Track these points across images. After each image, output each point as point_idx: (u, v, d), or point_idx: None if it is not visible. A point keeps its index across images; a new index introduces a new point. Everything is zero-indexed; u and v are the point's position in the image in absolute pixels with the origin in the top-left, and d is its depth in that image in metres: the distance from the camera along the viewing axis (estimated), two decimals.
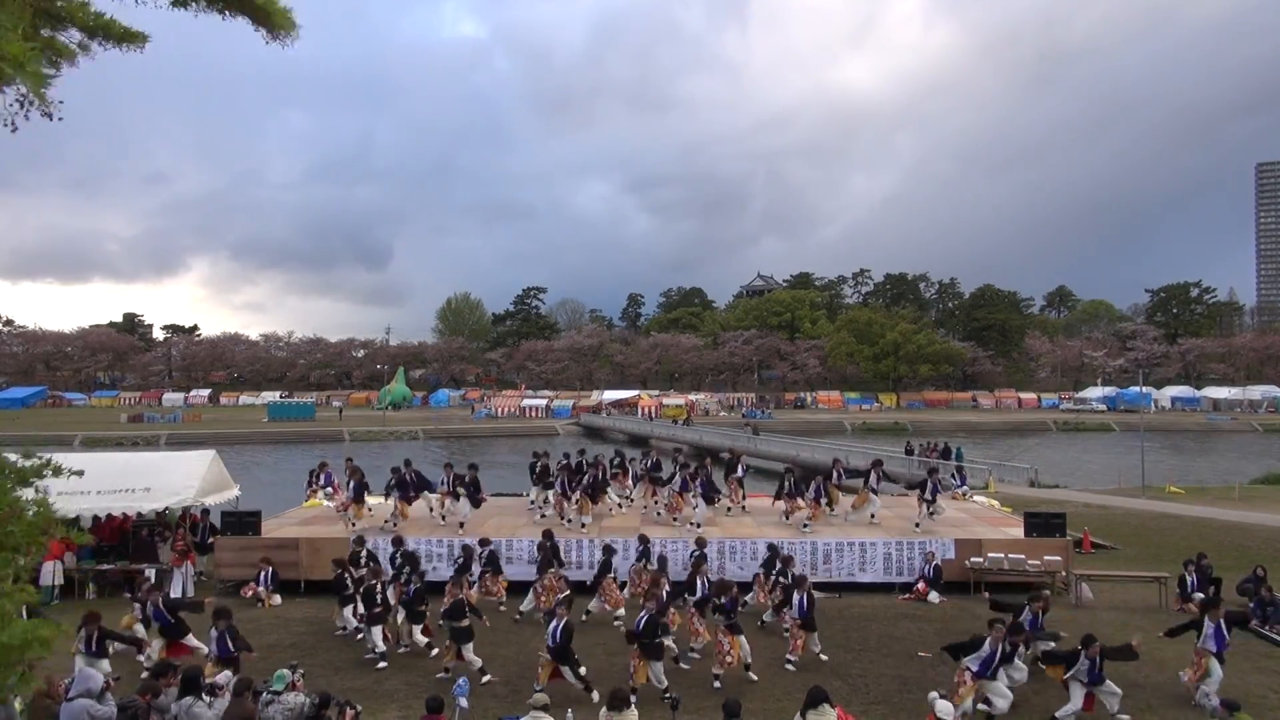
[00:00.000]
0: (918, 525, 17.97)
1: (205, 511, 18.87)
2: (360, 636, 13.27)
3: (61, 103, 4.77)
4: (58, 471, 5.56)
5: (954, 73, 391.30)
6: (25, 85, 4.40)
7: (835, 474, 19.70)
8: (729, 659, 11.57)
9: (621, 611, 14.43)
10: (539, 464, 20.00)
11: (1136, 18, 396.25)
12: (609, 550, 15.24)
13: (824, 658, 12.74)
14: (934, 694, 8.85)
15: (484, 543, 15.76)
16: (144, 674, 9.84)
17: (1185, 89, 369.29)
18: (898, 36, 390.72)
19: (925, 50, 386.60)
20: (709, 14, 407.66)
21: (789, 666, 12.45)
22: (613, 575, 14.77)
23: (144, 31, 5.45)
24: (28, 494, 5.33)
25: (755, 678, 11.83)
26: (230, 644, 10.50)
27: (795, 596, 12.66)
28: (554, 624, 10.91)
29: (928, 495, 18.37)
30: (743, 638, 11.85)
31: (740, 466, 20.58)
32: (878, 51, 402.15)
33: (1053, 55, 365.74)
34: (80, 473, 6.30)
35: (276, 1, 5.36)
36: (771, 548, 15.81)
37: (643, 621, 10.95)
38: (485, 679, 11.61)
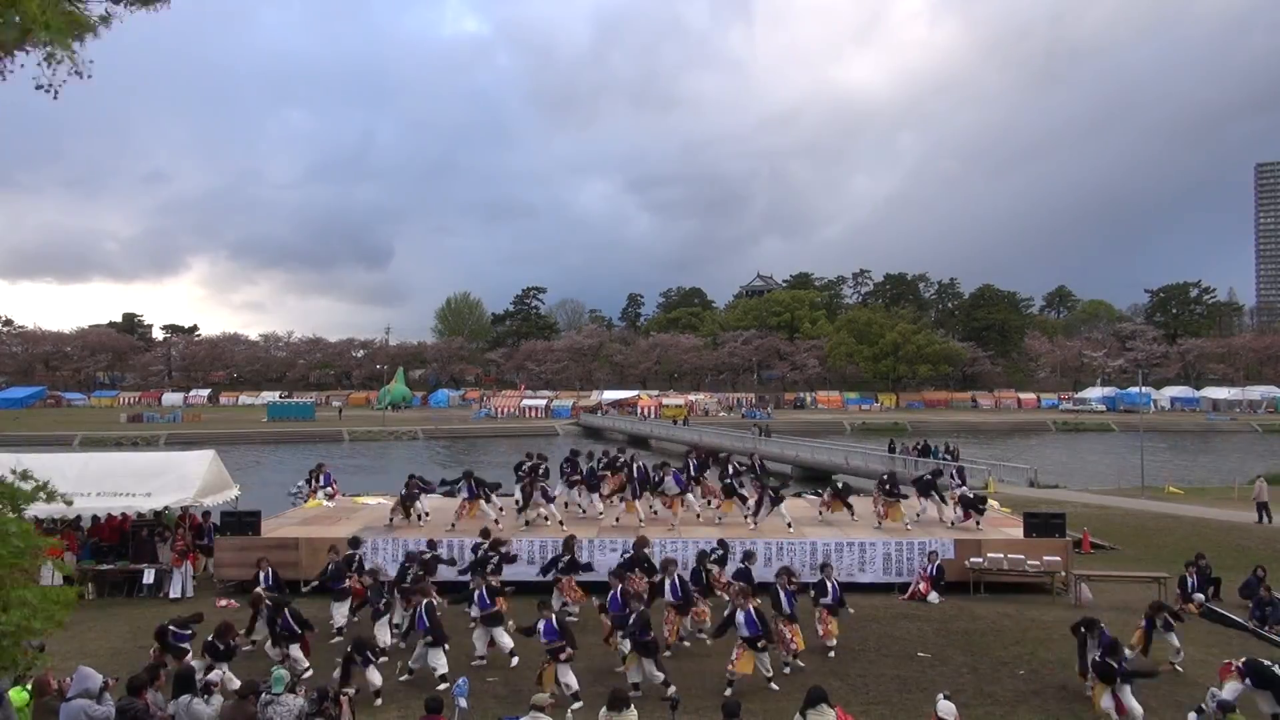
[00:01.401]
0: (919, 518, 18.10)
1: (206, 514, 18.91)
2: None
3: (92, 62, 4.66)
4: (51, 496, 5.54)
5: (959, 70, 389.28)
6: (52, 42, 4.33)
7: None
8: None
9: (575, 609, 14.56)
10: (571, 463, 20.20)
11: (1149, 11, 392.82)
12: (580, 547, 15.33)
13: (831, 655, 12.90)
14: (940, 695, 8.84)
15: (431, 545, 15.74)
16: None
17: (1191, 86, 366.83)
18: (903, 33, 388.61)
19: (931, 47, 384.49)
20: (714, 11, 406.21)
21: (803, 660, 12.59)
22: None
23: None
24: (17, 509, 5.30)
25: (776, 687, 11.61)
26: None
27: (828, 584, 13.37)
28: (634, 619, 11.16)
29: (937, 498, 18.36)
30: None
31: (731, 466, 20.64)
32: (882, 49, 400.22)
33: (1061, 52, 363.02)
34: (70, 503, 6.29)
35: None
36: (721, 544, 15.45)
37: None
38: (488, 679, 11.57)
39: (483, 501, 18.16)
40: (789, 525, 17.80)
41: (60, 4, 4.43)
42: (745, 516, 18.53)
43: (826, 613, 13.24)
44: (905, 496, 19.09)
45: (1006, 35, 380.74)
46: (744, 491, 19.14)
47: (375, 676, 10.94)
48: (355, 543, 15.82)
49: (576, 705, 10.57)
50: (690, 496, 19.07)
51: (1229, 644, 13.66)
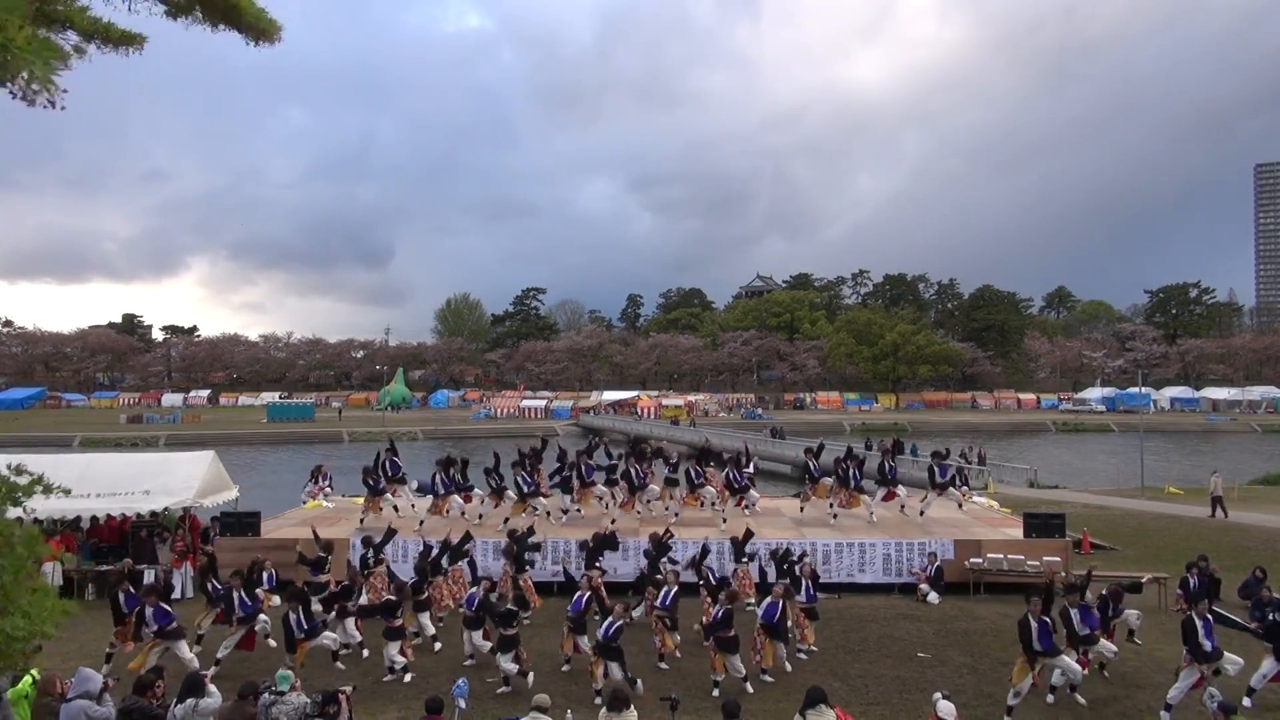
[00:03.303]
0: (922, 514, 18.24)
1: (192, 516, 18.95)
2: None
3: (65, 91, 4.73)
4: (49, 490, 5.54)
5: (966, 68, 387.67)
6: (32, 75, 4.37)
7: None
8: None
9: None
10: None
11: (1163, 4, 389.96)
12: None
13: (815, 648, 13.27)
14: (938, 694, 8.84)
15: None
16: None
17: (1198, 84, 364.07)
18: (911, 30, 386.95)
19: (938, 44, 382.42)
20: (720, 6, 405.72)
21: (800, 656, 12.77)
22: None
23: (142, 34, 5.41)
24: (15, 511, 5.27)
25: (751, 689, 11.64)
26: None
27: (804, 583, 13.44)
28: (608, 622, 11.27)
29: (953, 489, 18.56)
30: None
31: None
32: (890, 45, 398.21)
33: (1073, 47, 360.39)
34: (68, 490, 6.29)
35: (264, 13, 5.38)
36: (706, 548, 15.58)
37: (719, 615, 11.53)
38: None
39: (453, 499, 18.37)
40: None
41: (47, 41, 4.48)
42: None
43: (803, 616, 13.29)
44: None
45: (1017, 30, 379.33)
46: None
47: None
48: (368, 541, 15.86)
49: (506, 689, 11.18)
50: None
51: (1227, 644, 13.62)
